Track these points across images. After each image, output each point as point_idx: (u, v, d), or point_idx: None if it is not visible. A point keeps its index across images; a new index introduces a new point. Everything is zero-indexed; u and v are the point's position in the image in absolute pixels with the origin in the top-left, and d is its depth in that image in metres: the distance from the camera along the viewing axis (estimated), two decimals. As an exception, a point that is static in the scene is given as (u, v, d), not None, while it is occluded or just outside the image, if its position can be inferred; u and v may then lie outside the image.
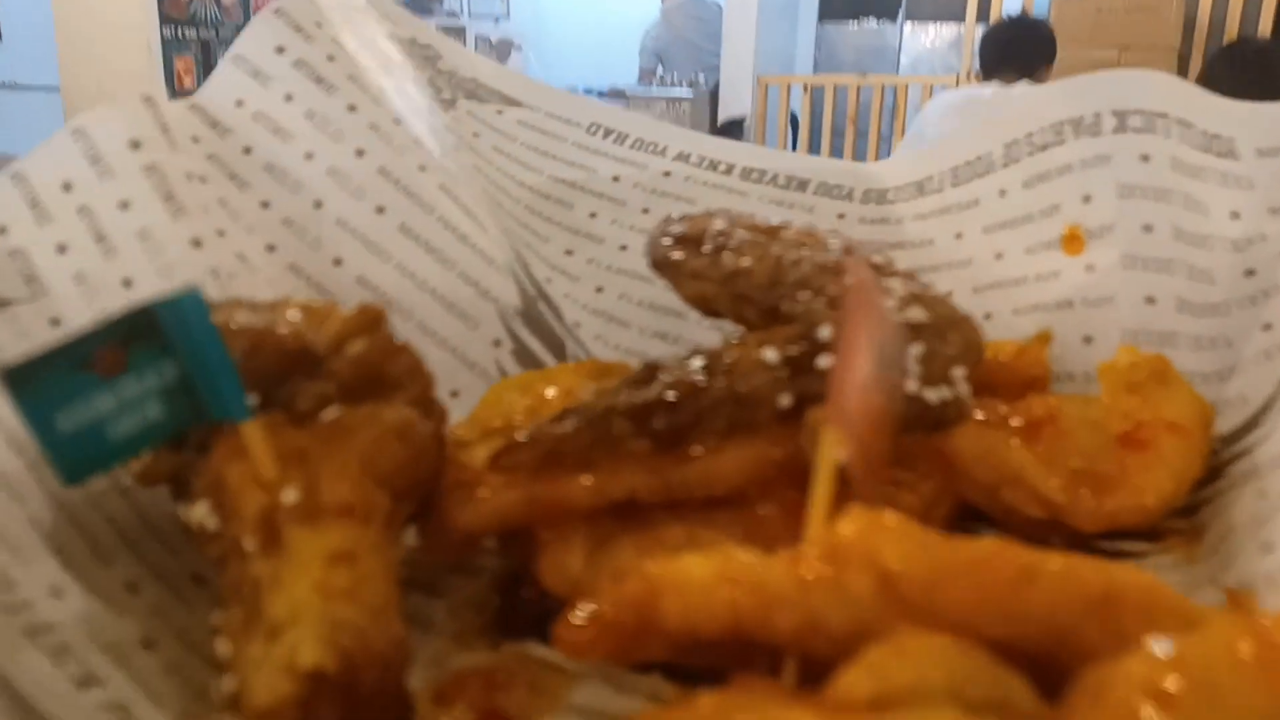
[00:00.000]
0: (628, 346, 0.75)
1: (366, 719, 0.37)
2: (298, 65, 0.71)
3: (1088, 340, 0.64)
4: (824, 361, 0.52)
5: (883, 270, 0.56)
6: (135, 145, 0.58)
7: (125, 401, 0.38)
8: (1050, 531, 0.55)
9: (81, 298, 0.55)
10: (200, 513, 0.44)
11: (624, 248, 0.80)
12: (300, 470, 0.43)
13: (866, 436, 0.34)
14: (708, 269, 0.61)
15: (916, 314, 0.52)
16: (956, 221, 0.74)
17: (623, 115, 0.88)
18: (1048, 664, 0.34)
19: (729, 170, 0.85)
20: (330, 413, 0.45)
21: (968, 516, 0.56)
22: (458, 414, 0.67)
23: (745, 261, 0.59)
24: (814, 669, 0.37)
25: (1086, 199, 0.67)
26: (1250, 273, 0.64)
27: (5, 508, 0.42)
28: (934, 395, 0.51)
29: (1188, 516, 0.55)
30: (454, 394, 0.68)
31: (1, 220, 0.55)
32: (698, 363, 0.52)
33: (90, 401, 0.37)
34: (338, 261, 0.68)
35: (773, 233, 0.61)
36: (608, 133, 0.87)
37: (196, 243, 0.58)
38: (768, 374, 0.52)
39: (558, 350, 0.72)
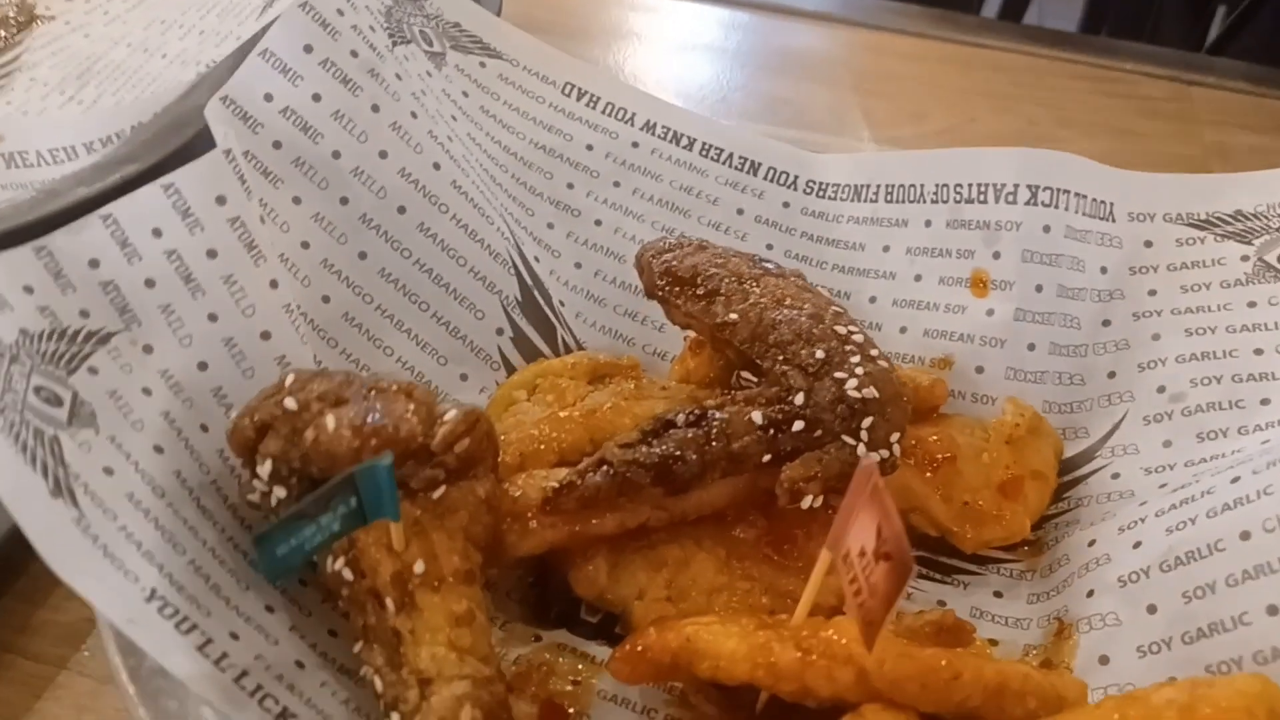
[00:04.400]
0: (604, 324, 0.87)
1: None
2: (325, 65, 0.75)
3: (979, 370, 0.82)
4: (796, 425, 0.67)
5: (848, 342, 0.70)
6: (221, 200, 0.64)
7: (320, 526, 0.49)
8: (938, 544, 0.74)
9: (168, 327, 0.63)
10: (338, 565, 0.56)
11: (598, 223, 0.91)
12: (421, 542, 0.56)
13: (878, 602, 0.50)
14: (700, 315, 0.73)
15: (870, 392, 0.67)
16: (885, 235, 0.88)
17: (594, 76, 0.95)
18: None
19: (690, 145, 0.95)
20: (438, 491, 0.57)
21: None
22: (467, 394, 0.80)
23: (733, 316, 0.72)
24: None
25: (996, 255, 0.82)
26: (1107, 323, 0.81)
27: (192, 579, 0.54)
28: (876, 457, 0.67)
29: (1037, 530, 0.75)
30: (464, 377, 0.80)
31: (92, 255, 0.61)
32: (698, 421, 0.66)
33: (299, 535, 0.49)
34: (362, 255, 0.77)
35: (755, 279, 0.74)
36: (581, 94, 0.95)
37: (274, 284, 0.66)
38: (754, 435, 0.67)
39: (549, 335, 0.84)
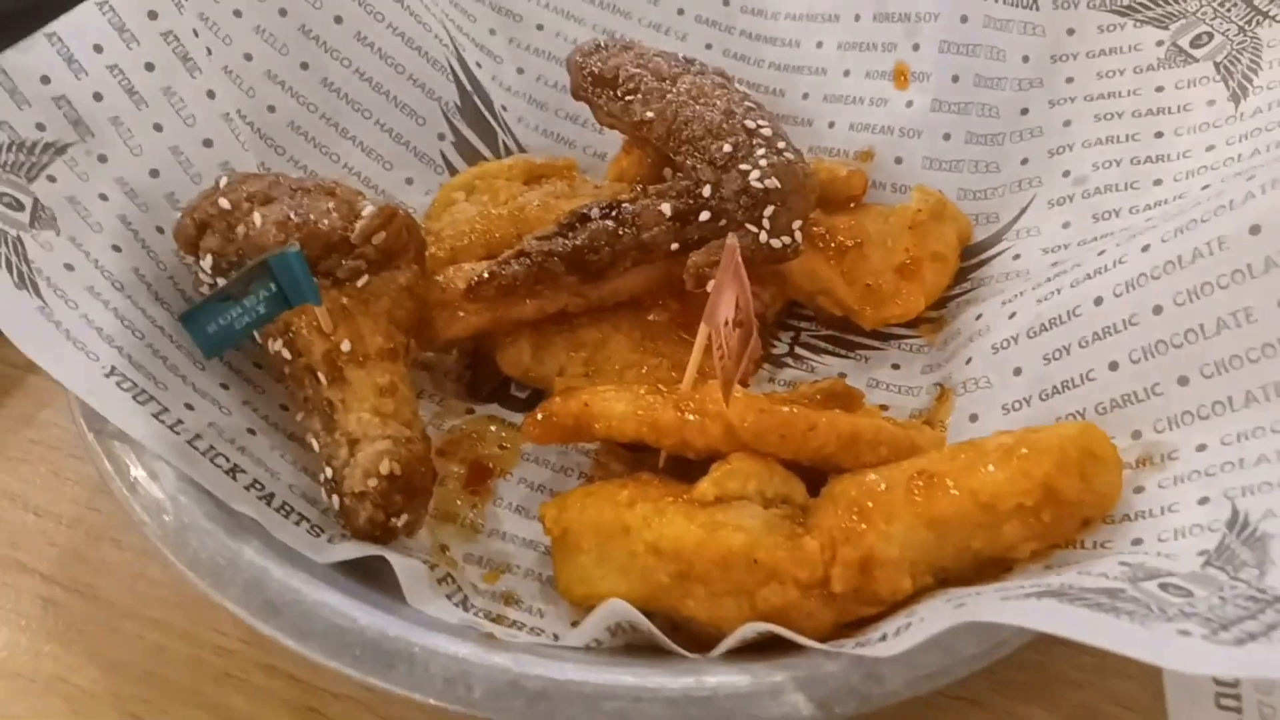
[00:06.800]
0: (545, 127, 0.92)
1: (419, 490, 0.61)
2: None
3: (898, 161, 0.86)
4: (703, 216, 0.73)
5: (755, 135, 0.74)
6: (152, 15, 0.68)
7: (245, 308, 0.57)
8: (845, 323, 0.81)
9: (119, 138, 0.69)
10: (277, 346, 0.64)
11: (540, 27, 0.93)
12: (347, 325, 0.63)
13: (731, 361, 0.57)
14: (620, 114, 0.78)
15: (772, 183, 0.72)
16: (819, 30, 0.90)
17: None
18: (817, 473, 0.61)
19: (632, -57, 0.96)
20: (362, 280, 0.64)
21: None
22: (412, 197, 0.85)
23: (649, 114, 0.76)
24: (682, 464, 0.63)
25: (916, 47, 0.85)
26: (1025, 111, 0.84)
27: (149, 359, 0.62)
28: (777, 243, 0.73)
29: (939, 309, 0.81)
30: (409, 180, 0.86)
31: (43, 71, 0.67)
32: (611, 213, 0.72)
33: (226, 314, 0.56)
34: (304, 65, 0.81)
35: (674, 79, 0.78)
36: None
37: (210, 94, 0.71)
38: (663, 225, 0.72)
39: (490, 140, 0.89)
